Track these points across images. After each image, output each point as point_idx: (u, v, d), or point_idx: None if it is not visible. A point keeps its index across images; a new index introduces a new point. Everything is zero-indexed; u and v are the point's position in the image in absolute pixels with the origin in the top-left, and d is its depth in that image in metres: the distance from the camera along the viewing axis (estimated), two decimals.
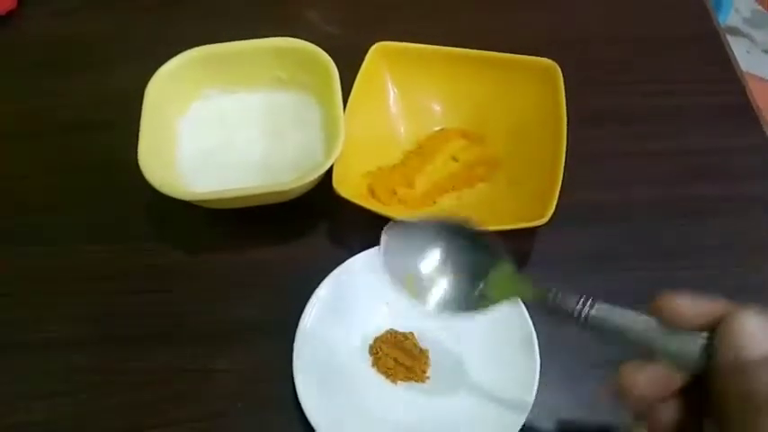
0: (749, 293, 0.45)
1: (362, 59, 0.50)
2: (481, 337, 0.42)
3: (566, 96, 0.47)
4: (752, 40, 1.56)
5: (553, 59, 0.49)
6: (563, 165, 0.44)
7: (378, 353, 0.42)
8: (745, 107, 0.54)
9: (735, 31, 1.55)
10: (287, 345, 0.41)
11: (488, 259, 0.33)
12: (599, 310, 0.29)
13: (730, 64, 0.56)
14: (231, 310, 0.45)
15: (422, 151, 0.50)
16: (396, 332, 0.43)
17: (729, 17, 1.54)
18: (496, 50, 0.50)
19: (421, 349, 0.43)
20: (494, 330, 0.42)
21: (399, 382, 0.42)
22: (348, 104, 0.48)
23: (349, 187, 0.45)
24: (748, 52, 1.54)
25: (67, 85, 0.57)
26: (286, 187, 0.44)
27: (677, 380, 0.27)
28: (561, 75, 0.48)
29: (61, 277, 0.47)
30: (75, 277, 0.47)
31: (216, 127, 0.51)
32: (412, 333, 0.43)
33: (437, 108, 0.52)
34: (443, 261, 0.34)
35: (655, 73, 0.56)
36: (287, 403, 0.40)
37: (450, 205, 0.48)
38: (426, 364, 0.42)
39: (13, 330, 0.45)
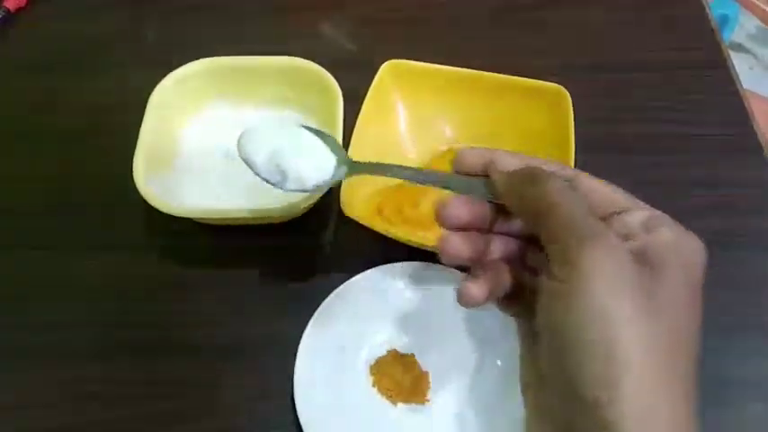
0: (754, 330, 0.45)
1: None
2: (482, 361, 0.43)
3: (575, 122, 0.47)
4: (755, 56, 1.56)
5: (563, 85, 0.49)
6: None
7: (379, 373, 0.43)
8: (750, 141, 0.54)
9: (738, 48, 1.56)
10: (288, 361, 0.42)
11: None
12: (410, 171, 0.35)
13: (738, 95, 0.56)
14: (233, 325, 0.45)
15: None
16: (397, 353, 0.43)
17: (734, 33, 1.55)
18: (508, 74, 0.50)
19: (422, 371, 0.43)
20: (494, 354, 0.42)
21: (399, 403, 0.42)
22: (358, 121, 0.48)
23: (356, 205, 0.45)
24: (751, 69, 1.55)
25: (76, 88, 0.57)
26: (274, 213, 0.44)
27: (485, 207, 0.31)
28: (570, 100, 0.48)
29: (64, 286, 0.47)
30: (78, 286, 0.47)
31: (217, 139, 0.51)
32: (413, 354, 0.43)
33: (445, 128, 0.52)
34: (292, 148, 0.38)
35: (662, 101, 0.56)
36: (287, 421, 0.41)
37: None
38: (427, 386, 0.42)
39: (17, 337, 0.45)
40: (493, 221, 0.31)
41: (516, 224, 0.32)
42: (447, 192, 0.49)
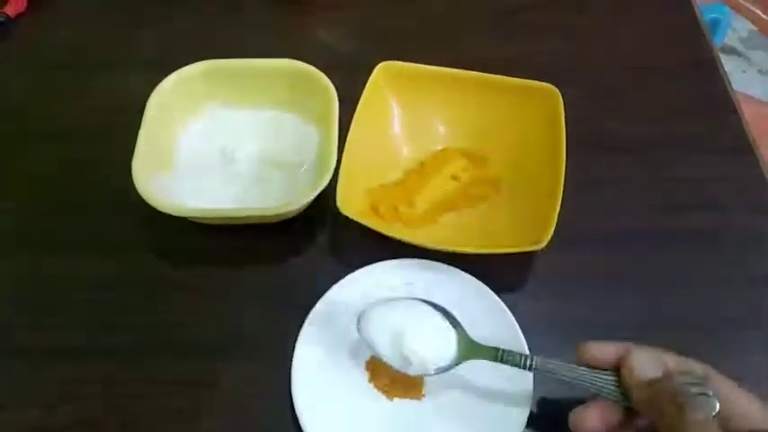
0: (742, 325, 0.46)
1: None
2: (476, 371, 0.43)
3: (567, 121, 0.48)
4: (747, 60, 1.58)
5: (556, 85, 0.50)
6: (562, 190, 0.45)
7: (375, 369, 0.43)
8: (741, 139, 0.55)
9: (731, 51, 1.57)
10: (285, 359, 0.42)
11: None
12: (538, 362, 0.38)
13: (728, 94, 0.57)
14: (229, 325, 0.45)
15: (423, 170, 0.51)
16: None
17: (726, 37, 1.56)
18: (501, 74, 0.51)
19: None
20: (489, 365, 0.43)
21: (396, 398, 0.42)
22: (352, 124, 0.48)
23: (351, 203, 0.46)
24: (744, 72, 1.56)
25: (75, 91, 0.58)
26: (270, 213, 0.45)
27: (616, 411, 0.33)
28: (561, 100, 0.49)
29: (59, 286, 0.47)
30: (73, 287, 0.47)
31: (216, 142, 0.52)
32: None
33: (440, 128, 0.53)
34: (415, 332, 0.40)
35: (654, 101, 0.57)
36: (284, 418, 0.41)
37: (449, 225, 0.49)
38: (422, 381, 0.43)
39: (16, 337, 0.45)
40: (623, 420, 0.32)
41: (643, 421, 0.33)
42: (443, 196, 0.51)
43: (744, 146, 0.54)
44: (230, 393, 0.43)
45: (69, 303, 0.46)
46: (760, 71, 1.56)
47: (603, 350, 0.33)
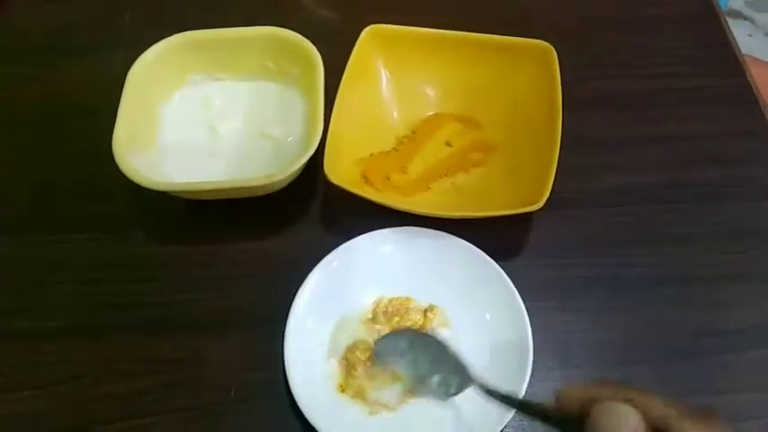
0: (752, 278, 0.44)
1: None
2: (469, 316, 0.42)
3: (562, 80, 0.46)
4: (753, 23, 1.54)
5: (550, 43, 0.48)
6: (558, 150, 0.43)
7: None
8: (745, 91, 0.53)
9: (736, 15, 1.54)
10: (278, 333, 0.41)
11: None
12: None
13: (731, 47, 0.55)
14: (221, 300, 0.44)
15: (415, 136, 0.50)
16: None
17: (731, 0, 1.52)
18: (492, 33, 0.49)
19: None
20: (482, 310, 0.42)
21: None
22: (339, 89, 0.47)
23: (341, 174, 0.44)
24: (750, 35, 1.52)
25: (57, 72, 0.56)
26: (258, 183, 0.43)
27: None
28: (557, 57, 0.47)
29: (48, 267, 0.46)
30: (62, 267, 0.46)
31: (200, 114, 0.50)
32: None
33: (431, 92, 0.51)
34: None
35: (652, 56, 0.55)
36: (278, 390, 0.40)
37: (443, 191, 0.47)
38: None
39: (1, 321, 0.44)
40: None
41: None
42: (436, 162, 0.49)
43: (745, 99, 0.52)
44: (223, 367, 0.42)
45: (56, 282, 0.45)
46: (767, 34, 1.52)
47: (571, 396, 0.29)
